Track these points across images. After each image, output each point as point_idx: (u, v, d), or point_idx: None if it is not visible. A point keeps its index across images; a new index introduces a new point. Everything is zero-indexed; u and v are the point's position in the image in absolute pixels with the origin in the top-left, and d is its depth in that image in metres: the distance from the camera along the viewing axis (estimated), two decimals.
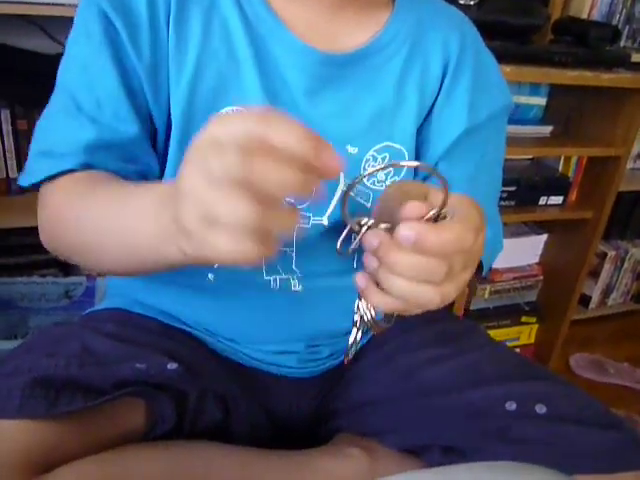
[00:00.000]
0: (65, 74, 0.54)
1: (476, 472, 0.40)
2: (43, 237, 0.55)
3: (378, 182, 0.59)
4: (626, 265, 1.82)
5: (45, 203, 0.54)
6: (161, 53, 0.53)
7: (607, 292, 1.84)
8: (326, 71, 0.56)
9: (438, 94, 0.61)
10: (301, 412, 0.65)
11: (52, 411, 0.44)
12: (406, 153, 0.60)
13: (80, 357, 0.50)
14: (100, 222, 0.48)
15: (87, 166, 0.52)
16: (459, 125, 0.61)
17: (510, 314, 1.57)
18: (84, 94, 0.52)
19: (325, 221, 0.58)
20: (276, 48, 0.55)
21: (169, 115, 0.55)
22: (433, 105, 0.61)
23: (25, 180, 0.54)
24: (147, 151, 0.55)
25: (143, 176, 0.55)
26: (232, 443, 0.54)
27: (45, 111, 0.55)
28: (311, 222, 0.58)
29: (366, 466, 0.55)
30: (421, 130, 0.62)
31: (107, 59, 0.52)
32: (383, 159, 0.59)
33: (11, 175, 1.05)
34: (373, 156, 0.58)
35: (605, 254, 1.77)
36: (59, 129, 0.53)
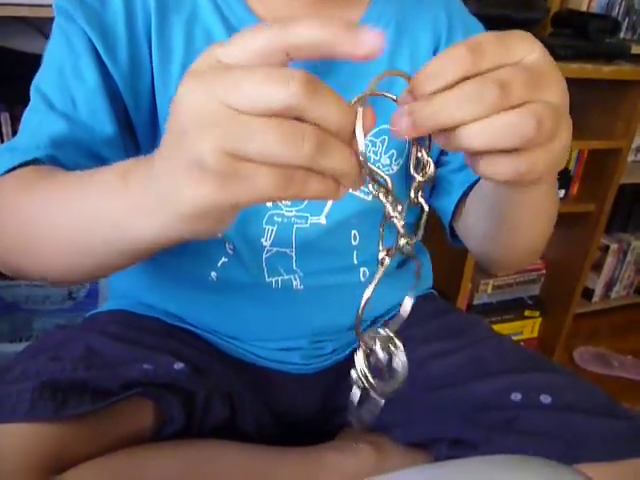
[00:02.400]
0: (39, 79, 0.53)
1: (478, 466, 0.40)
2: None
3: (383, 167, 0.60)
4: (629, 258, 1.81)
5: None
6: (140, 68, 0.53)
7: (610, 285, 1.84)
8: (313, 69, 0.56)
9: None
10: (307, 408, 0.65)
11: (61, 413, 0.44)
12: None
13: (86, 360, 0.50)
14: (55, 207, 0.43)
15: (52, 159, 0.49)
16: None
17: (513, 308, 1.57)
18: (58, 95, 0.51)
19: (323, 220, 0.58)
20: None
21: (154, 125, 0.55)
22: None
23: None
24: (120, 156, 0.52)
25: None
26: (239, 440, 0.55)
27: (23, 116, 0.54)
28: (310, 222, 0.58)
29: (374, 460, 0.55)
30: None
31: (88, 61, 0.51)
32: (382, 142, 0.59)
33: None
34: (371, 141, 0.58)
35: (607, 247, 1.77)
36: (27, 127, 0.52)
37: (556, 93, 0.32)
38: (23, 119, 0.53)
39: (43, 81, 0.53)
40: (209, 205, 0.29)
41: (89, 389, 0.47)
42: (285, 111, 0.27)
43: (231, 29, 0.54)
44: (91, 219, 0.39)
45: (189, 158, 0.28)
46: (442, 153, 0.64)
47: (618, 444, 0.47)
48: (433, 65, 0.31)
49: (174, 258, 0.61)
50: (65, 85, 0.51)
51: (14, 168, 0.48)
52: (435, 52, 0.61)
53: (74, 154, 0.50)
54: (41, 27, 1.04)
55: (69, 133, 0.50)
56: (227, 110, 0.27)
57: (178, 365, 0.51)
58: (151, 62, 0.53)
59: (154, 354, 0.52)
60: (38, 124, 0.51)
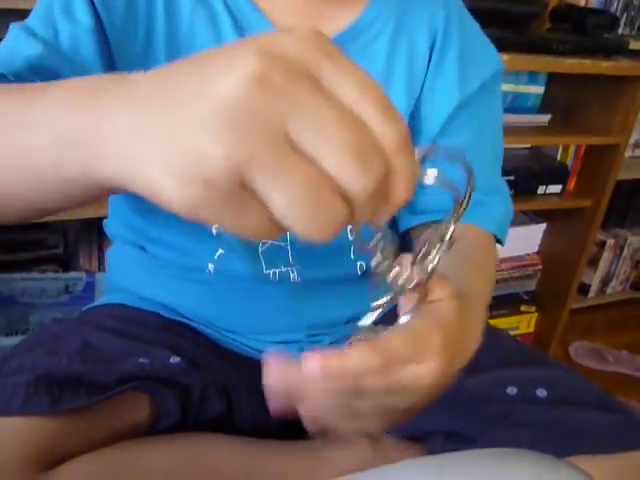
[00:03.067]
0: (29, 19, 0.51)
1: (473, 459, 0.40)
2: None
3: None
4: (625, 253, 1.82)
5: None
6: (135, 23, 0.52)
7: (606, 281, 1.85)
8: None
9: (428, 70, 0.60)
10: None
11: (56, 408, 0.44)
12: None
13: (82, 354, 0.50)
14: None
15: (20, 79, 0.45)
16: (451, 99, 0.61)
17: (509, 303, 1.57)
18: (40, 24, 0.49)
19: None
20: None
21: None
22: (424, 82, 0.61)
23: None
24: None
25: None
26: (235, 435, 0.55)
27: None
28: None
29: (369, 454, 0.55)
30: (414, 108, 0.61)
31: (82, 4, 0.49)
32: None
33: None
34: None
35: (604, 242, 1.77)
36: (1, 47, 0.49)
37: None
38: None
39: (28, 19, 0.51)
40: (187, 209, 0.23)
41: (85, 383, 0.47)
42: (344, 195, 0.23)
43: (234, 15, 0.54)
44: (27, 133, 0.31)
45: (196, 145, 0.22)
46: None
47: (613, 437, 0.47)
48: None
49: (170, 250, 0.61)
50: (51, 19, 0.49)
51: None
52: (431, 50, 0.60)
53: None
54: None
55: (47, 59, 0.46)
56: (283, 140, 0.22)
57: (174, 359, 0.51)
58: (147, 24, 0.53)
59: (150, 348, 0.52)
60: (13, 45, 0.48)
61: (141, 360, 0.49)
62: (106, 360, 0.49)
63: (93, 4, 0.50)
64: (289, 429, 0.62)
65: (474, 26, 0.65)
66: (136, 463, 0.48)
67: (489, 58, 0.65)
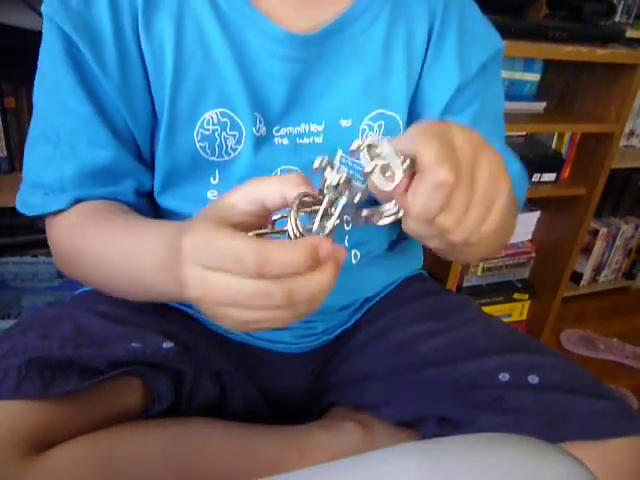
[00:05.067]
0: (38, 95, 0.54)
1: (464, 444, 0.40)
2: (60, 268, 0.58)
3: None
4: (617, 242, 1.83)
5: (52, 240, 0.56)
6: (131, 68, 0.52)
7: (598, 269, 1.86)
8: (309, 52, 0.55)
9: (426, 54, 0.60)
10: (296, 388, 0.65)
11: (48, 392, 0.44)
12: (399, 119, 0.59)
13: (75, 338, 0.50)
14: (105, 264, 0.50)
15: (78, 200, 0.53)
16: (451, 82, 0.60)
17: (502, 291, 1.58)
18: (58, 120, 0.53)
19: None
20: (254, 40, 0.54)
21: (150, 125, 0.55)
22: (423, 66, 0.60)
23: (25, 210, 0.56)
24: (133, 167, 0.56)
25: (137, 191, 0.56)
26: (228, 420, 0.55)
27: (30, 132, 0.56)
28: None
29: (361, 439, 0.56)
30: (414, 92, 0.61)
31: (74, 83, 0.51)
32: (379, 127, 0.58)
33: (0, 154, 1.04)
34: (369, 125, 0.58)
35: (597, 231, 1.78)
36: (42, 160, 0.54)
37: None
38: (32, 138, 0.55)
39: (42, 100, 0.54)
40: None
41: (76, 368, 0.47)
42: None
43: (222, 18, 0.53)
44: (130, 283, 0.49)
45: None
46: None
47: (603, 424, 0.48)
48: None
49: None
50: (62, 109, 0.52)
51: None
52: (430, 34, 0.60)
53: (94, 185, 0.54)
54: (32, 2, 1.02)
55: (80, 168, 0.53)
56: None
57: (167, 344, 0.51)
58: (142, 61, 0.52)
59: (143, 333, 0.52)
60: (52, 160, 0.54)
61: (133, 345, 0.49)
62: (98, 344, 0.49)
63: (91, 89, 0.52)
64: (281, 414, 0.63)
65: (473, 7, 0.64)
66: (127, 447, 0.48)
67: (489, 39, 0.64)
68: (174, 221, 0.49)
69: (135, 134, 0.55)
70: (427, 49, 0.60)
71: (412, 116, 0.61)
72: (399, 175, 0.34)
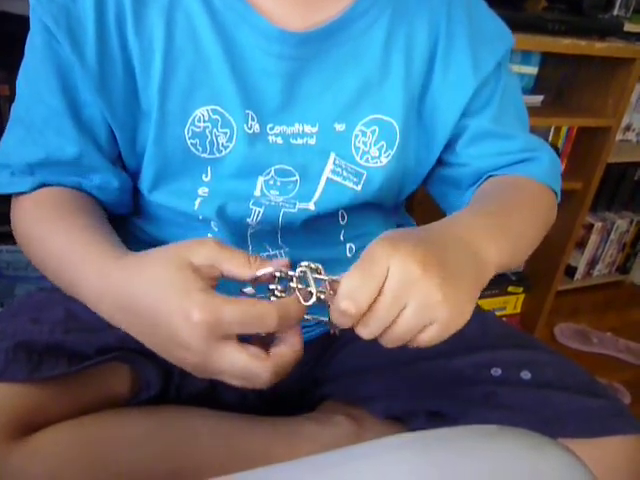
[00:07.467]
0: (20, 79, 0.55)
1: (458, 435, 0.40)
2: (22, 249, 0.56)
3: (372, 159, 0.58)
4: (612, 236, 1.83)
5: (12, 221, 0.56)
6: (112, 63, 0.51)
7: (593, 263, 1.86)
8: (304, 51, 0.54)
9: (435, 61, 0.58)
10: (288, 380, 0.64)
11: (35, 375, 0.44)
12: (396, 125, 0.58)
13: (65, 323, 0.50)
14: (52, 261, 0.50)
15: (42, 185, 0.54)
16: (467, 87, 0.59)
17: (497, 284, 1.58)
18: (33, 106, 0.53)
19: (312, 206, 0.57)
20: (247, 38, 0.53)
21: (133, 120, 0.54)
22: (431, 75, 0.59)
23: None
24: (99, 165, 0.55)
25: (100, 188, 0.55)
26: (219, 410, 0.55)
27: (11, 113, 0.56)
28: (297, 207, 0.57)
29: (352, 432, 0.56)
30: (425, 100, 0.59)
31: (50, 74, 0.51)
32: (372, 133, 0.57)
33: None
34: (362, 131, 0.57)
35: (592, 225, 1.78)
36: (15, 141, 0.55)
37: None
38: (11, 120, 0.55)
39: (22, 87, 0.54)
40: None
41: (65, 352, 0.47)
42: None
43: (215, 15, 0.52)
44: (68, 281, 0.47)
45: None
46: (445, 151, 0.63)
47: (595, 422, 0.48)
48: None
49: (158, 229, 0.60)
50: (37, 97, 0.53)
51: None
52: (436, 36, 0.58)
53: (59, 174, 0.54)
54: None
55: (46, 157, 0.53)
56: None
57: None
58: (126, 57, 0.52)
59: None
60: (22, 143, 0.54)
61: (122, 331, 0.49)
62: (88, 330, 0.49)
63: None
64: (273, 405, 0.63)
65: (483, 8, 0.62)
66: (113, 432, 0.48)
67: (501, 36, 0.62)
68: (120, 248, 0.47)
69: (114, 128, 0.54)
70: (434, 58, 0.58)
71: (427, 125, 0.60)
72: (313, 299, 0.42)
